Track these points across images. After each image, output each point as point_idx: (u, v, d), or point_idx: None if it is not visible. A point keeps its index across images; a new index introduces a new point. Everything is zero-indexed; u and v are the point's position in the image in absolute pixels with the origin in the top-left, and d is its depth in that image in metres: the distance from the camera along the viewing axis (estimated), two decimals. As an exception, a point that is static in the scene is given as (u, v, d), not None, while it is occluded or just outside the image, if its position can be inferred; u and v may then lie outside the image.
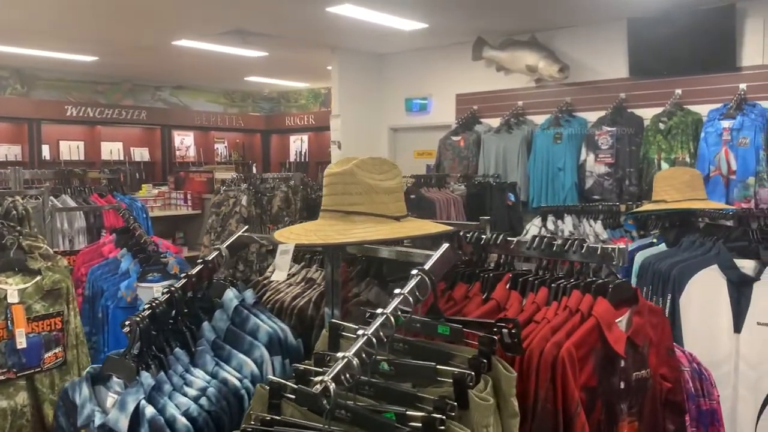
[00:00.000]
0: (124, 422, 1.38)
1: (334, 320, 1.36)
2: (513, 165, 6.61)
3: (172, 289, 1.56)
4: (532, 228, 3.51)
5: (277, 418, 1.18)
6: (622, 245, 1.41)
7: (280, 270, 1.55)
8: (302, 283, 1.89)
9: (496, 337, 1.19)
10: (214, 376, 1.47)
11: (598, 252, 1.47)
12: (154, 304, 1.53)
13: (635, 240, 3.21)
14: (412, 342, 1.26)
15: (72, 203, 4.16)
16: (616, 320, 1.46)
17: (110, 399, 1.49)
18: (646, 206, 3.20)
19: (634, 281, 2.76)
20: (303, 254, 1.99)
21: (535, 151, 6.48)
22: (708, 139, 5.42)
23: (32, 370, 2.37)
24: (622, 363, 1.44)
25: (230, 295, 1.61)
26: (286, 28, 6.85)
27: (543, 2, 5.82)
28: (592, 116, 6.39)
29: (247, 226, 2.00)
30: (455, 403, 1.10)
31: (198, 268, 1.66)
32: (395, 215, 1.58)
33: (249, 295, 1.65)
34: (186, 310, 1.61)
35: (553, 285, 1.51)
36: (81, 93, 10.29)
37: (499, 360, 1.19)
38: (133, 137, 11.03)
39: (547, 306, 1.48)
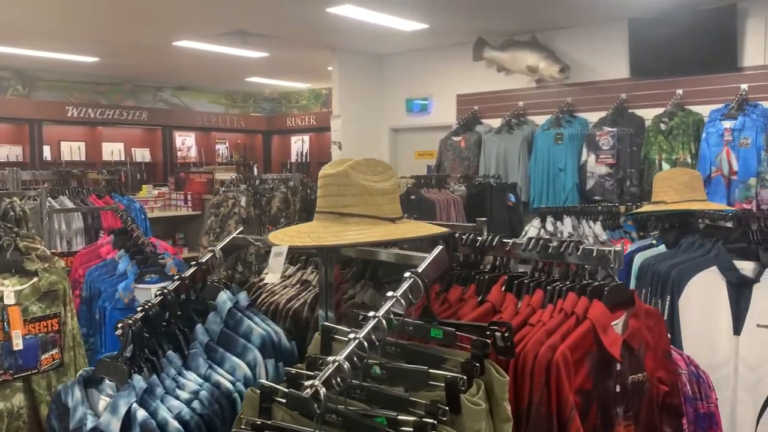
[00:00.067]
0: (115, 425, 1.37)
1: (326, 323, 1.35)
2: (514, 166, 6.59)
3: (165, 291, 1.55)
4: (531, 229, 3.50)
5: (268, 422, 1.17)
6: (618, 247, 1.39)
7: (273, 272, 1.54)
8: (297, 285, 1.88)
9: (489, 341, 1.17)
10: (206, 379, 1.46)
11: (594, 254, 1.46)
12: (146, 307, 1.52)
13: (635, 241, 3.20)
14: (405, 345, 1.25)
15: (70, 204, 4.16)
16: (612, 323, 1.45)
17: (102, 402, 1.48)
18: (646, 207, 3.18)
19: (633, 283, 2.74)
20: (299, 256, 1.98)
21: (535, 151, 6.47)
22: (709, 140, 5.39)
23: (29, 372, 2.37)
24: (618, 366, 1.43)
25: (224, 298, 1.60)
26: (286, 29, 6.85)
27: (543, 2, 5.80)
28: (593, 117, 6.37)
29: (242, 228, 1.99)
30: (447, 408, 1.09)
31: (191, 270, 1.65)
32: (390, 217, 1.57)
33: (243, 297, 1.64)
34: (179, 313, 1.61)
35: (548, 287, 1.50)
36: (82, 94, 10.30)
37: (492, 364, 1.18)
38: (135, 138, 11.04)
39: (543, 308, 1.47)
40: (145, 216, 4.65)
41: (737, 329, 2.39)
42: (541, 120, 6.70)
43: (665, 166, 5.59)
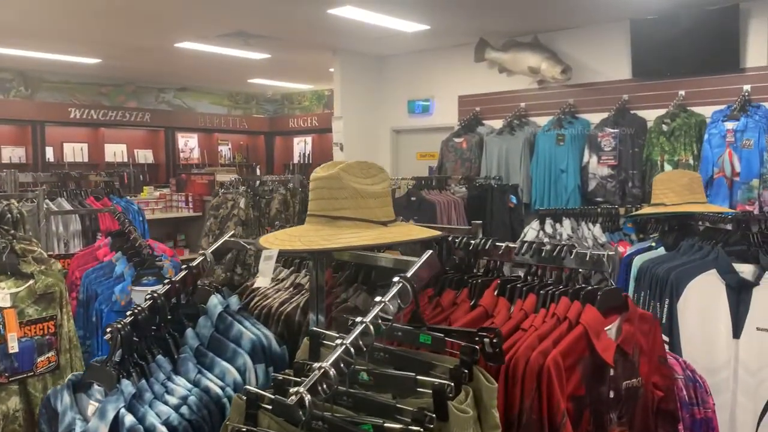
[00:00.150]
0: (103, 431, 1.36)
1: (314, 328, 1.34)
2: (515, 167, 6.57)
3: (155, 295, 1.54)
4: (530, 231, 3.48)
5: (254, 429, 1.15)
6: (612, 251, 1.38)
7: (263, 276, 1.53)
8: (291, 289, 1.87)
9: (477, 347, 1.16)
10: (196, 384, 1.44)
11: (588, 258, 1.45)
12: (136, 311, 1.51)
13: (634, 243, 3.18)
14: (393, 351, 1.24)
15: (68, 206, 4.15)
16: (606, 328, 1.43)
17: (91, 407, 1.47)
18: (645, 209, 3.16)
19: (632, 285, 2.72)
20: (292, 259, 1.97)
21: (537, 152, 6.45)
22: (711, 141, 5.37)
23: (25, 375, 2.36)
24: (611, 372, 1.41)
25: (214, 302, 1.59)
26: (287, 30, 6.84)
27: (545, 3, 5.79)
28: (594, 118, 6.35)
29: (232, 231, 1.98)
30: (434, 415, 1.07)
31: (182, 273, 1.64)
32: (382, 220, 1.56)
33: (234, 301, 1.62)
34: (170, 317, 1.59)
35: (541, 292, 1.48)
36: (85, 95, 10.32)
37: (481, 370, 1.16)
38: (137, 139, 11.05)
39: (535, 313, 1.45)
40: (143, 218, 4.65)
41: (737, 333, 2.36)
42: (542, 121, 6.69)
43: (667, 167, 5.56)
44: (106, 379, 1.43)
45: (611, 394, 1.42)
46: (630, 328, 1.46)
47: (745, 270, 2.39)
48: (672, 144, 5.63)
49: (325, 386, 1.07)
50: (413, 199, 5.17)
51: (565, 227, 3.37)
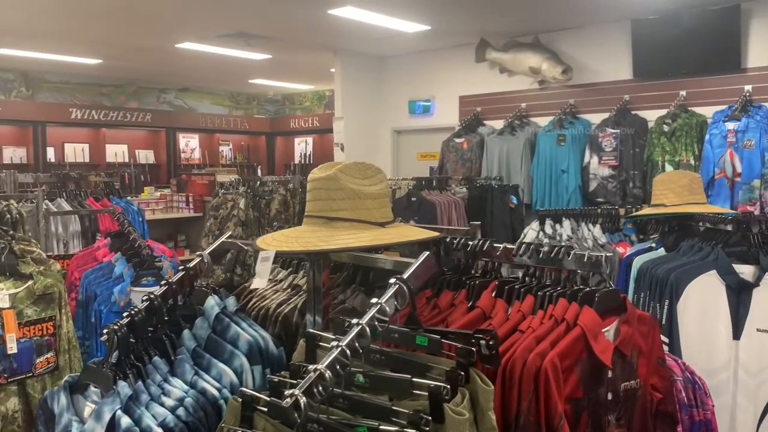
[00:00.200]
0: (99, 432, 1.36)
1: (311, 330, 1.33)
2: (516, 167, 6.57)
3: (152, 296, 1.54)
4: (530, 232, 3.47)
5: (249, 431, 1.15)
6: (609, 253, 1.37)
7: (260, 277, 1.52)
8: (288, 290, 1.86)
9: (474, 349, 1.15)
10: (192, 385, 1.44)
11: (586, 259, 1.44)
12: (132, 312, 1.51)
13: (634, 244, 3.17)
14: (389, 353, 1.23)
15: (67, 207, 4.15)
16: (604, 330, 1.42)
17: (88, 409, 1.46)
18: (645, 210, 3.15)
19: (631, 286, 2.71)
20: (291, 260, 1.97)
21: (538, 153, 6.44)
22: (713, 141, 5.35)
23: (24, 376, 2.36)
24: (610, 373, 1.40)
25: (211, 303, 1.58)
26: (287, 31, 6.84)
27: (546, 4, 5.78)
28: (595, 118, 6.34)
29: (229, 233, 1.97)
30: (430, 418, 1.07)
31: (179, 275, 1.63)
32: (379, 221, 1.55)
33: (231, 302, 1.62)
34: (167, 318, 1.59)
35: (539, 293, 1.48)
36: (86, 96, 10.33)
37: (477, 372, 1.16)
38: (138, 139, 11.06)
39: (533, 315, 1.44)
40: (142, 218, 4.64)
41: (737, 334, 2.35)
42: (543, 121, 6.68)
43: (668, 167, 5.55)
44: (103, 380, 1.42)
45: (609, 396, 1.41)
46: (628, 329, 1.45)
47: (745, 271, 2.38)
48: (673, 144, 5.62)
49: (320, 388, 1.06)
50: (413, 199, 5.16)
51: (565, 228, 3.36)
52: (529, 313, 1.45)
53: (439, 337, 1.21)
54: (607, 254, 1.38)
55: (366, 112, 8.12)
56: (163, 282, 1.61)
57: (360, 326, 1.15)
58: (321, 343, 1.29)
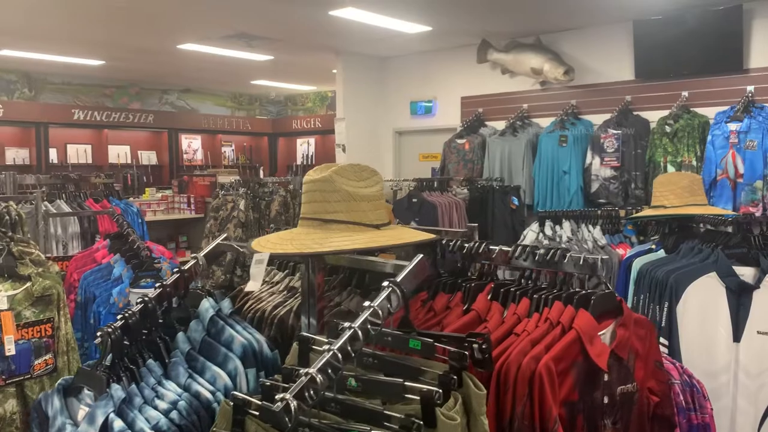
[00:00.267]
0: (92, 436, 1.35)
1: (303, 333, 1.33)
2: (518, 168, 6.55)
3: (146, 299, 1.53)
4: (530, 233, 3.45)
5: (240, 435, 1.14)
6: (605, 255, 1.36)
7: (254, 280, 1.51)
8: (285, 292, 1.86)
9: (466, 353, 1.14)
10: (186, 388, 1.43)
11: (581, 262, 1.43)
12: (126, 315, 1.50)
13: (634, 246, 3.16)
14: (382, 357, 1.22)
15: (67, 208, 4.14)
16: (600, 333, 1.41)
17: (81, 412, 1.46)
18: (645, 211, 3.13)
19: (631, 288, 2.70)
20: (287, 262, 1.96)
21: (540, 154, 6.42)
22: (715, 142, 5.33)
23: (22, 377, 2.36)
24: (606, 377, 1.39)
25: (206, 305, 1.58)
26: (289, 32, 6.84)
27: (548, 4, 5.76)
28: (597, 119, 6.32)
29: (224, 235, 1.97)
30: (422, 422, 1.06)
31: (173, 277, 1.62)
32: (374, 223, 1.54)
33: (226, 305, 1.61)
34: (161, 320, 1.58)
35: (535, 296, 1.47)
36: (88, 97, 10.34)
37: (470, 376, 1.15)
38: (141, 141, 11.07)
39: (529, 317, 1.43)
40: (142, 220, 4.64)
41: (737, 336, 2.34)
42: (545, 122, 6.66)
43: (670, 168, 5.53)
44: (96, 383, 1.42)
45: (605, 400, 1.40)
46: (624, 332, 1.44)
47: (746, 273, 2.37)
48: (675, 145, 5.60)
49: (312, 392, 1.06)
50: (414, 200, 5.16)
51: (565, 229, 3.35)
52: (525, 316, 1.44)
53: (431, 340, 1.20)
54: (603, 257, 1.37)
55: (367, 113, 8.11)
56: (157, 284, 1.61)
57: (352, 330, 1.14)
58: (314, 347, 1.28)
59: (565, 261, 1.45)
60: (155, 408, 1.39)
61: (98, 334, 1.45)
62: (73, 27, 6.70)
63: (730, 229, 2.76)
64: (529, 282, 1.55)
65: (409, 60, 8.02)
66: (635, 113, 6.10)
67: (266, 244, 1.53)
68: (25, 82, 9.75)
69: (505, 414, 1.28)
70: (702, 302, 2.40)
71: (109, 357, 1.48)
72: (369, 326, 1.17)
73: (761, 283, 2.33)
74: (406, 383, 1.12)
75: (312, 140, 12.32)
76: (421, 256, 1.30)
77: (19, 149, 9.65)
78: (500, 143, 6.70)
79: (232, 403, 1.19)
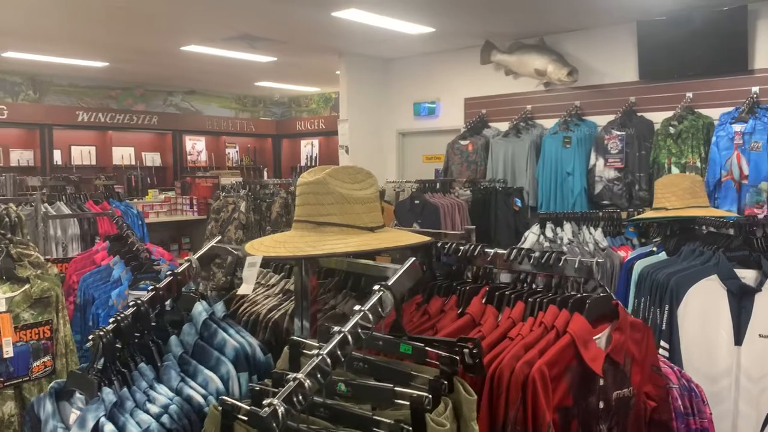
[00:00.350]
0: (83, 440, 1.34)
1: (294, 337, 1.31)
2: (521, 169, 6.53)
3: (139, 302, 1.52)
4: (531, 235, 3.44)
5: (227, 441, 1.13)
6: (601, 259, 1.34)
7: (246, 282, 1.50)
8: (280, 295, 1.84)
9: (457, 357, 1.13)
10: (178, 392, 1.42)
11: (576, 265, 1.41)
12: (119, 318, 1.49)
13: (636, 248, 3.13)
14: (373, 361, 1.21)
15: (67, 210, 4.14)
16: (595, 337, 1.40)
17: (73, 415, 1.45)
18: (647, 213, 3.11)
19: (632, 291, 2.68)
20: (283, 265, 1.95)
21: (543, 155, 6.40)
22: (719, 143, 5.30)
23: (20, 380, 2.36)
24: (601, 382, 1.38)
25: (199, 309, 1.57)
26: (292, 33, 6.84)
27: (551, 5, 5.74)
28: (601, 120, 6.30)
29: (219, 237, 1.96)
30: (411, 428, 1.05)
31: (167, 280, 1.62)
32: (369, 226, 1.53)
33: (219, 308, 1.60)
34: (154, 324, 1.57)
35: (529, 299, 1.45)
36: (92, 98, 10.37)
37: (461, 382, 1.13)
38: (145, 142, 11.09)
39: (523, 321, 1.42)
40: (142, 222, 4.64)
41: (738, 339, 2.31)
42: (549, 123, 6.64)
43: (674, 170, 5.50)
44: (87, 387, 1.41)
45: (601, 405, 1.39)
46: (620, 336, 1.42)
47: (747, 276, 2.35)
48: (679, 146, 5.57)
49: (300, 397, 1.05)
50: (417, 202, 5.14)
51: (566, 231, 3.33)
52: (520, 320, 1.42)
53: (422, 345, 1.18)
54: (599, 260, 1.36)
55: (371, 114, 8.10)
56: (150, 287, 1.60)
57: (342, 334, 1.13)
58: (305, 351, 1.27)
59: (560, 264, 1.43)
60: (147, 412, 1.38)
61: (90, 337, 1.45)
62: (77, 29, 6.72)
63: (731, 232, 2.74)
64: (525, 285, 1.54)
65: (413, 61, 8.00)
66: (639, 114, 6.08)
67: (260, 247, 1.52)
68: (29, 84, 9.79)
69: (498, 419, 1.27)
70: (703, 305, 2.37)
71: (102, 360, 1.47)
72: (359, 330, 1.16)
73: (763, 286, 2.31)
74: (396, 388, 1.11)
75: (316, 142, 12.32)
76: (413, 259, 1.29)
77: (23, 151, 9.69)
78: (504, 144, 6.68)
79: (220, 408, 1.18)
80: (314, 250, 1.45)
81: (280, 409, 1.01)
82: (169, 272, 1.63)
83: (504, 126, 6.97)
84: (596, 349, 1.37)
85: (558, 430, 1.29)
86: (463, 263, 1.64)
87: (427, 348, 1.18)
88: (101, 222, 4.15)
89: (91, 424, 1.35)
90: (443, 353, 1.14)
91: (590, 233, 3.29)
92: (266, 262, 1.94)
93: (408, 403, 1.09)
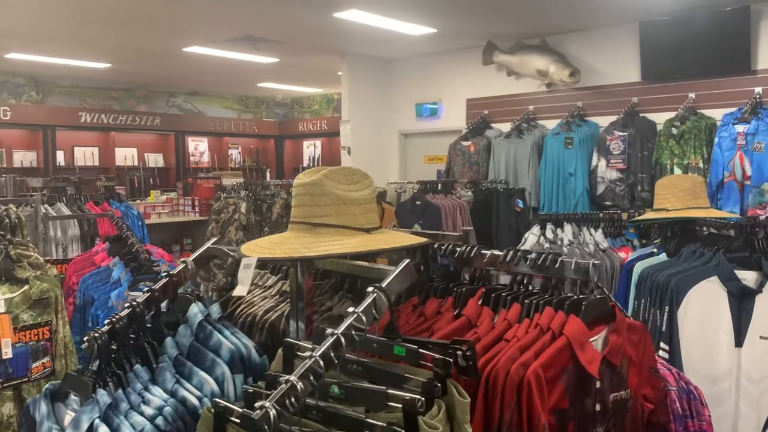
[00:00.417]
0: (77, 442, 1.34)
1: (288, 339, 1.31)
2: (523, 170, 6.52)
3: (134, 303, 1.52)
4: (531, 237, 3.43)
5: (219, 443, 1.13)
6: (597, 261, 1.34)
7: (242, 284, 1.50)
8: (277, 296, 1.84)
9: (451, 360, 1.12)
10: (173, 394, 1.42)
11: (573, 267, 1.41)
12: (114, 319, 1.49)
13: (636, 249, 3.12)
14: (367, 363, 1.21)
15: (67, 211, 4.14)
16: (591, 339, 1.39)
17: (68, 417, 1.45)
18: (648, 214, 3.10)
19: (632, 292, 2.67)
20: (280, 266, 1.94)
21: (545, 156, 6.38)
22: (722, 144, 5.28)
23: (19, 381, 2.36)
24: (597, 384, 1.37)
25: (195, 310, 1.56)
26: (294, 34, 6.84)
27: (553, 6, 5.73)
28: (603, 121, 6.28)
29: (215, 238, 1.96)
30: (403, 431, 1.04)
31: (162, 281, 1.61)
32: (365, 227, 1.53)
33: (215, 309, 1.60)
34: (150, 325, 1.57)
35: (526, 301, 1.44)
36: (95, 99, 10.39)
37: (455, 384, 1.13)
38: (148, 143, 11.11)
39: (519, 323, 1.41)
40: (142, 223, 4.64)
41: (739, 341, 2.30)
42: (551, 124, 6.63)
43: (677, 170, 5.49)
44: (82, 388, 1.41)
45: (597, 407, 1.38)
46: (617, 338, 1.41)
47: (748, 277, 2.34)
48: (682, 147, 5.55)
49: (292, 399, 1.04)
50: (418, 203, 5.14)
51: (566, 233, 3.31)
52: (516, 322, 1.42)
53: (416, 347, 1.18)
54: (595, 262, 1.35)
55: (373, 115, 8.10)
56: (145, 289, 1.60)
57: (335, 336, 1.12)
58: (299, 353, 1.27)
59: (557, 266, 1.42)
60: (141, 414, 1.37)
61: (85, 339, 1.44)
62: (79, 30, 6.73)
63: (732, 233, 2.72)
64: (521, 287, 1.53)
65: (414, 62, 8.00)
66: (641, 115, 6.06)
67: (255, 249, 1.52)
68: (32, 86, 9.81)
69: (493, 421, 1.26)
70: (703, 307, 2.36)
71: (97, 362, 1.47)
72: (353, 332, 1.15)
73: (764, 288, 2.30)
74: (389, 391, 1.10)
75: (318, 142, 12.33)
76: (408, 260, 1.28)
77: (26, 152, 9.71)
78: (506, 145, 6.67)
79: (213, 410, 1.17)
80: (310, 252, 1.45)
81: (272, 412, 1.01)
82: (165, 274, 1.63)
83: (506, 127, 6.95)
84: (592, 351, 1.36)
85: (554, 433, 1.28)
86: (460, 265, 1.64)
87: (420, 350, 1.17)
88: (101, 223, 4.15)
89: (85, 425, 1.34)
90: (437, 356, 1.13)
91: (591, 234, 3.28)
92: (263, 264, 1.94)
93: (400, 405, 1.09)
